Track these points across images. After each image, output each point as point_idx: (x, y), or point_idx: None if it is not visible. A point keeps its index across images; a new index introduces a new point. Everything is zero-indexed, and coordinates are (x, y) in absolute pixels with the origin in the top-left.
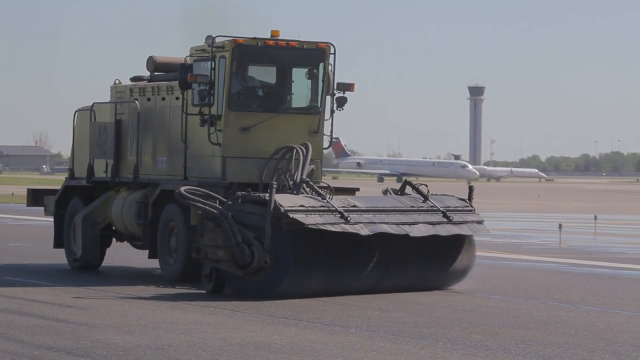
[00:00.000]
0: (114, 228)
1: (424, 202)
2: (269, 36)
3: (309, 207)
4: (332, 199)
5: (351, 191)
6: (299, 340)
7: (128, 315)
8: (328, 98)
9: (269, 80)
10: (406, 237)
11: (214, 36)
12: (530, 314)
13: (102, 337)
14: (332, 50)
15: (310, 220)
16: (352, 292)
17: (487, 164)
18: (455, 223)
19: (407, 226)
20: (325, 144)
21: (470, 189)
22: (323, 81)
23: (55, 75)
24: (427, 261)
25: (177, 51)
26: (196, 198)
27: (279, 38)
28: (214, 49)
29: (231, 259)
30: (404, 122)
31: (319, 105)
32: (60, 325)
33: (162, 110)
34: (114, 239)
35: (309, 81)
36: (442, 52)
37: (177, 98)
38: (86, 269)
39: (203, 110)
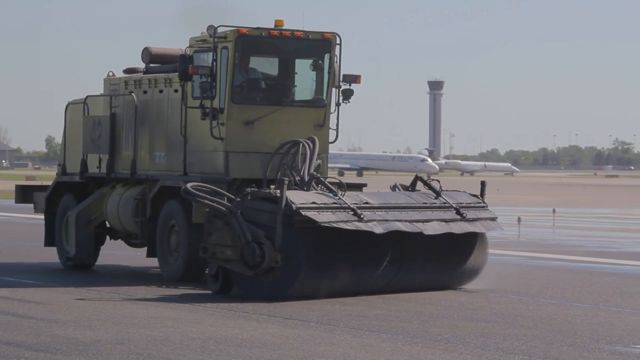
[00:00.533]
0: (108, 225)
1: (436, 198)
2: (272, 26)
3: (321, 204)
4: (343, 195)
5: (358, 187)
6: (260, 334)
7: (88, 310)
8: (333, 90)
9: (272, 72)
10: (419, 235)
11: (215, 26)
12: (490, 307)
13: (62, 332)
14: (337, 41)
15: (323, 218)
16: (364, 293)
17: (447, 157)
18: (468, 220)
19: (420, 224)
20: (331, 137)
21: (483, 184)
22: (329, 73)
23: (24, 67)
24: (440, 260)
25: (172, 42)
26: (203, 195)
27: (284, 28)
28: (216, 40)
29: (240, 258)
30: (364, 116)
31: (324, 97)
32: (20, 320)
33: (160, 103)
34: (107, 237)
35: (314, 73)
36: (401, 47)
37: (176, 91)
38: (80, 268)
39: (204, 103)
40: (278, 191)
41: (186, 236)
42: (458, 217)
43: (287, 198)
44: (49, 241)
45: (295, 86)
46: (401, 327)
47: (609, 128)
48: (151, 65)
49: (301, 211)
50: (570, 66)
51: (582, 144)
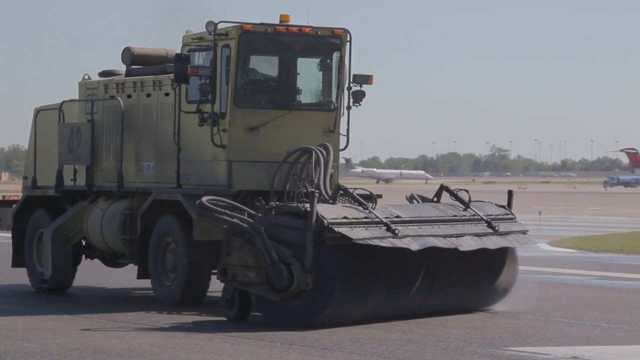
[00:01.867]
0: (83, 243)
1: (464, 210)
2: (275, 21)
3: (353, 219)
4: (374, 208)
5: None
6: (138, 343)
7: None
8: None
9: (278, 73)
10: (451, 251)
11: (216, 22)
12: None
13: None
14: (347, 38)
15: (357, 234)
16: (394, 318)
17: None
18: (501, 234)
19: (454, 239)
20: (342, 144)
21: (510, 194)
22: (339, 73)
23: None
24: (471, 278)
25: (146, 42)
26: (222, 210)
27: (290, 24)
28: (216, 37)
29: (265, 281)
30: None
31: (334, 100)
32: None
33: (148, 108)
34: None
35: (323, 73)
36: None
37: (167, 94)
38: (55, 290)
39: (202, 108)
40: (307, 205)
41: (185, 255)
42: (490, 230)
43: (317, 212)
44: (18, 261)
45: (303, 88)
46: (279, 334)
47: (486, 135)
48: (133, 67)
49: (334, 227)
50: (450, 74)
51: (461, 151)
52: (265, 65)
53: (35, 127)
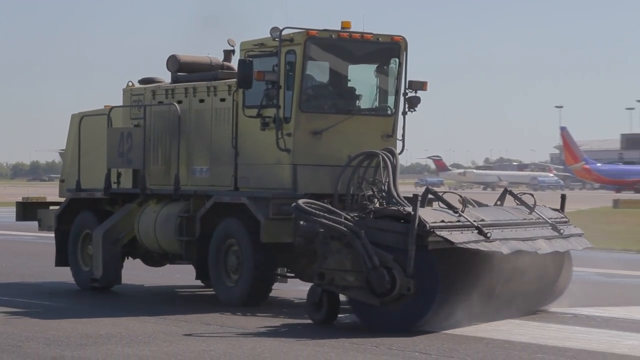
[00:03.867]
0: (125, 243)
1: (529, 213)
2: (338, 28)
3: (449, 222)
4: (464, 212)
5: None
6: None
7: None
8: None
9: (340, 78)
10: (524, 254)
11: (281, 28)
12: None
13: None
14: (405, 45)
15: (456, 238)
16: (491, 319)
17: None
18: (565, 237)
19: (531, 242)
20: (399, 149)
21: (563, 197)
22: (397, 79)
23: None
24: (538, 279)
25: (173, 50)
26: (321, 213)
27: (352, 30)
28: (281, 43)
29: (365, 285)
30: None
31: (392, 105)
32: None
33: (201, 113)
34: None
35: (382, 79)
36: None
37: (223, 100)
38: (104, 289)
39: (262, 112)
40: (407, 209)
41: (251, 257)
42: (556, 233)
43: (419, 216)
44: (61, 260)
45: (363, 94)
46: None
47: None
48: (180, 74)
49: (436, 231)
50: None
51: None
52: (328, 71)
53: (79, 132)
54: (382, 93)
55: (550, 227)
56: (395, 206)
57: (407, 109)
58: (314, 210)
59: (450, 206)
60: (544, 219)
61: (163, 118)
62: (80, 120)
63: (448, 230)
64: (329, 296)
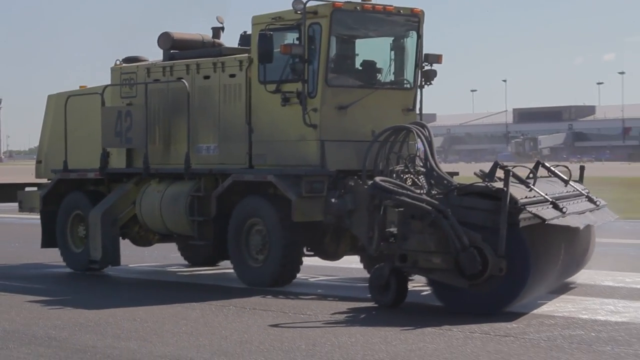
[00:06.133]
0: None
1: (565, 186)
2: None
3: (532, 198)
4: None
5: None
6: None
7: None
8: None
9: (363, 51)
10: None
11: (304, 0)
12: None
13: None
14: (423, 17)
15: (545, 214)
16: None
17: (5, 154)
18: (600, 208)
19: (584, 215)
20: None
21: (582, 168)
22: (417, 52)
23: None
24: (581, 251)
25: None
26: (403, 192)
27: (375, 2)
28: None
29: (453, 267)
30: None
31: (412, 79)
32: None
33: (206, 90)
34: None
35: (402, 52)
36: None
37: (232, 75)
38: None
39: (281, 88)
40: (495, 185)
41: (281, 237)
42: (593, 205)
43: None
44: (49, 242)
45: (384, 67)
46: None
47: None
48: (173, 51)
49: (527, 207)
50: None
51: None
52: (352, 44)
53: (65, 113)
54: (401, 66)
55: (586, 199)
56: (480, 183)
57: (423, 83)
58: (395, 189)
59: (522, 181)
60: (579, 191)
61: (164, 95)
62: (66, 101)
63: (535, 207)
64: (397, 278)
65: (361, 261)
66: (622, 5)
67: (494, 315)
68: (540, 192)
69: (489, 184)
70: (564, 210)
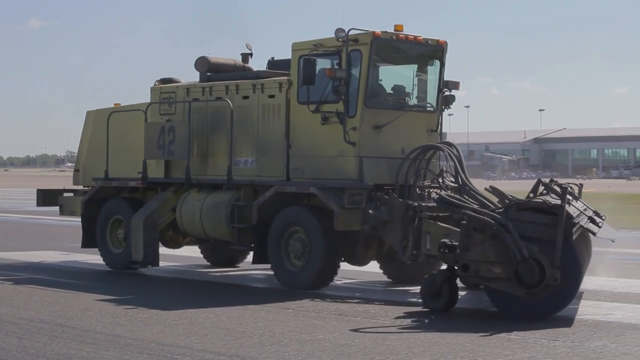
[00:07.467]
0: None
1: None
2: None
3: (578, 212)
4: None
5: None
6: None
7: None
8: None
9: (396, 76)
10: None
11: (346, 30)
12: None
13: None
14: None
15: (594, 229)
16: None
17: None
18: (603, 222)
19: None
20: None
21: (580, 186)
22: (439, 79)
23: None
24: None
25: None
26: (468, 205)
27: (407, 33)
28: (347, 43)
29: (513, 276)
30: None
31: (434, 103)
32: None
33: (245, 109)
34: None
35: (429, 78)
36: None
37: (272, 96)
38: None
39: (320, 108)
40: (551, 200)
41: (322, 244)
42: (600, 220)
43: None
44: (89, 243)
45: (413, 91)
46: None
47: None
48: (209, 73)
49: (580, 222)
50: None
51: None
52: (386, 69)
53: (108, 128)
54: (426, 91)
55: (593, 214)
56: (539, 199)
57: (443, 107)
58: (461, 203)
59: (560, 196)
60: (587, 206)
61: (203, 113)
62: (108, 116)
63: (584, 222)
64: (449, 285)
65: (381, 267)
66: None
67: (548, 321)
68: (578, 208)
69: (545, 200)
70: (600, 224)
